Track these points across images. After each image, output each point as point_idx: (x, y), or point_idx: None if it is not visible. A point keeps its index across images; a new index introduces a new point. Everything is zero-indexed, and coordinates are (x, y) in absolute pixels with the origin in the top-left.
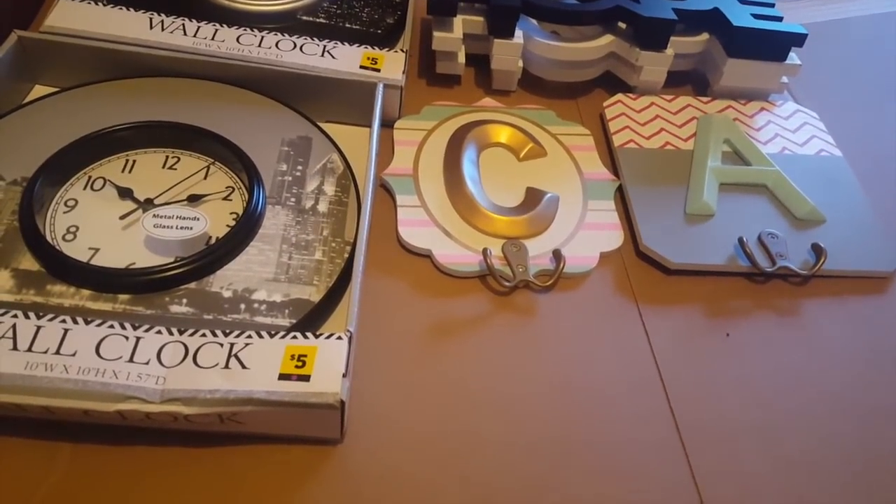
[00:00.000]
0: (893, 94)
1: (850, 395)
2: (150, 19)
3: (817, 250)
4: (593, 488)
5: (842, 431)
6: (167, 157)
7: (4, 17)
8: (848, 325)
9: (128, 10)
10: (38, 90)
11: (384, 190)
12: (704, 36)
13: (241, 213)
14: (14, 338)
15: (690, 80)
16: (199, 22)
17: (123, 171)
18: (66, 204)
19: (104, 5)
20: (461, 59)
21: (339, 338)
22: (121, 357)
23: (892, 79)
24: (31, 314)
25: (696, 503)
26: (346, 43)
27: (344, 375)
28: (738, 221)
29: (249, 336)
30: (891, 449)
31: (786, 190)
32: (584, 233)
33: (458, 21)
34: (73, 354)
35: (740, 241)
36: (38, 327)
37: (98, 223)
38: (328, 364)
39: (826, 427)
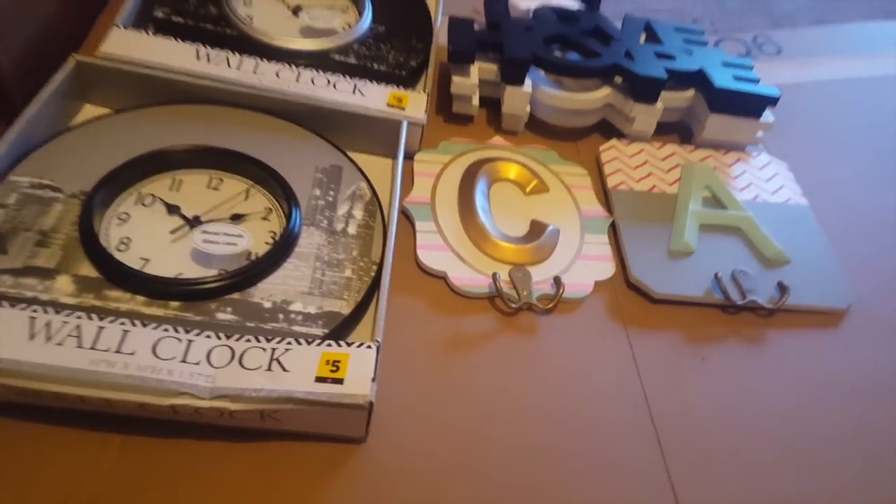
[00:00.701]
0: (855, 151)
1: (806, 415)
2: (197, 51)
3: (782, 288)
4: (582, 491)
5: (799, 445)
6: (211, 178)
7: (59, 39)
8: (806, 352)
9: (175, 40)
10: (88, 109)
11: (404, 216)
12: (691, 92)
13: (278, 232)
14: (79, 336)
15: (677, 131)
16: (241, 56)
17: (171, 189)
18: (119, 217)
19: (153, 35)
20: (475, 101)
21: (369, 347)
22: (174, 357)
23: (855, 137)
24: (94, 316)
25: (669, 497)
26: (374, 81)
27: (373, 380)
28: (714, 259)
29: (289, 342)
30: (840, 460)
31: (756, 233)
32: (581, 262)
33: (475, 68)
34: (132, 353)
35: (716, 276)
36: (101, 328)
37: (148, 236)
38: (359, 369)
39: (786, 440)
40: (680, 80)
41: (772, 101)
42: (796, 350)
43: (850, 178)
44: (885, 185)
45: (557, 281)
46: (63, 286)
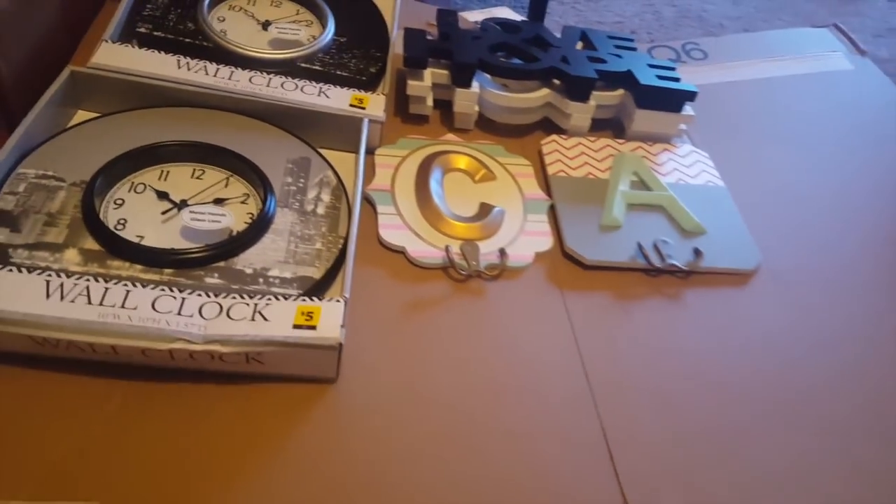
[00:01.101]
0: (766, 140)
1: (718, 357)
2: (178, 61)
3: (697, 252)
4: (522, 417)
5: (711, 383)
6: (194, 169)
7: (50, 54)
8: (719, 308)
9: (159, 52)
10: (81, 114)
11: (367, 202)
12: (620, 91)
13: (256, 213)
14: (88, 296)
15: (610, 127)
16: (217, 65)
17: (160, 179)
18: (115, 202)
19: (139, 48)
20: (429, 102)
21: (338, 301)
22: (171, 311)
23: (767, 129)
24: (100, 279)
25: (597, 427)
26: (337, 86)
27: (342, 326)
28: (639, 232)
29: (269, 299)
30: (744, 393)
31: (677, 209)
32: (524, 237)
33: (428, 73)
34: (135, 308)
35: (639, 245)
36: (106, 289)
37: (142, 217)
38: (330, 318)
39: (699, 381)
40: (610, 80)
41: (690, 96)
42: (710, 305)
43: (761, 163)
44: (790, 168)
45: (502, 252)
46: (71, 257)
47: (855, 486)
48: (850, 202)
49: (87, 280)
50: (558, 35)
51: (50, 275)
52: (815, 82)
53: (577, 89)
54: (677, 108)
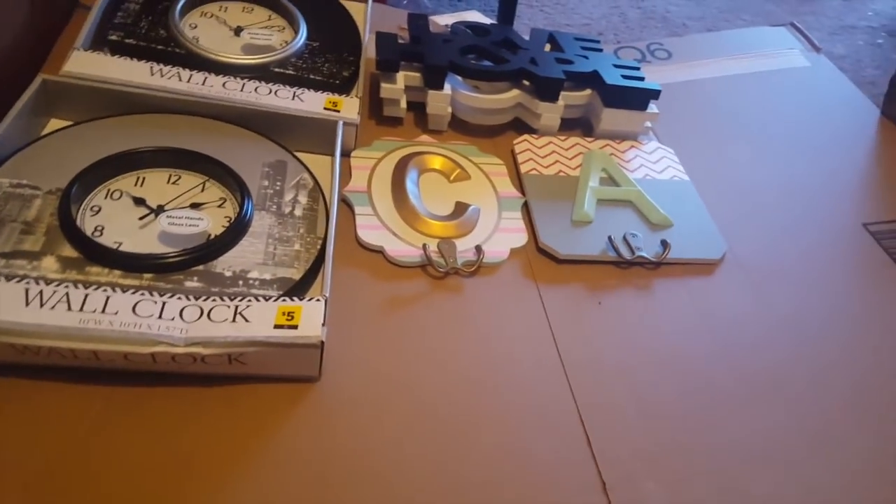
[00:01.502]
0: (728, 135)
1: (682, 343)
2: (151, 67)
3: (664, 244)
4: (501, 408)
5: (681, 369)
6: (170, 175)
7: (17, 65)
8: (686, 296)
9: (131, 59)
10: (54, 123)
11: (344, 203)
12: (587, 91)
13: (233, 217)
14: (68, 302)
15: (579, 126)
16: (191, 71)
17: (136, 185)
18: (91, 209)
19: (110, 56)
20: (403, 105)
21: (318, 300)
22: (152, 315)
23: (730, 124)
24: (80, 285)
25: (574, 414)
26: (311, 90)
27: (323, 325)
28: (609, 226)
29: (250, 300)
30: (712, 376)
31: (645, 204)
32: (499, 234)
33: (401, 76)
34: (116, 313)
35: (609, 238)
36: (86, 294)
37: (119, 223)
38: (311, 317)
39: (670, 365)
40: (578, 80)
41: (655, 95)
42: (679, 293)
43: (724, 157)
44: (751, 162)
45: (478, 249)
46: (49, 265)
47: (825, 460)
48: (808, 192)
49: (67, 287)
50: (527, 37)
51: (29, 282)
52: (773, 79)
53: (546, 90)
54: (643, 107)
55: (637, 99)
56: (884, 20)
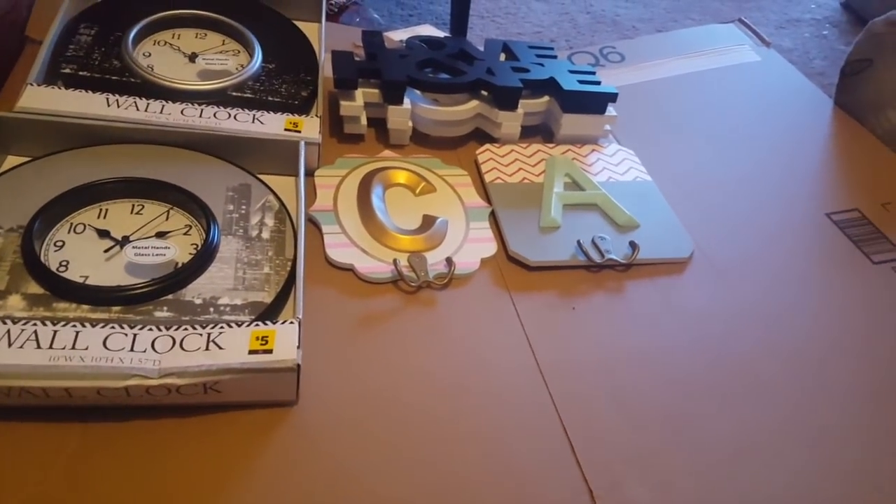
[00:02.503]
0: (685, 133)
1: (658, 342)
2: (107, 99)
3: (633, 246)
4: (481, 419)
5: (659, 368)
6: (133, 205)
7: None
8: (657, 295)
9: (86, 92)
10: (11, 160)
11: (311, 223)
12: (545, 98)
13: (200, 244)
14: (37, 340)
15: (540, 133)
16: (147, 100)
17: (99, 217)
18: (55, 244)
19: (65, 89)
20: (363, 121)
21: (292, 322)
22: (123, 348)
23: (686, 122)
24: (48, 322)
25: (556, 421)
26: (270, 112)
27: (298, 347)
28: (577, 230)
29: (222, 327)
30: (686, 372)
31: (610, 206)
32: (468, 245)
33: (359, 93)
34: (86, 348)
35: (578, 243)
36: (55, 331)
37: (84, 257)
38: (285, 341)
39: (647, 366)
40: (535, 88)
41: (612, 98)
42: (651, 294)
43: (683, 154)
44: (711, 157)
45: (449, 261)
46: (15, 303)
47: (811, 455)
48: (770, 185)
49: (35, 324)
50: (481, 48)
51: None
52: (725, 75)
53: (505, 99)
54: (601, 110)
55: (595, 103)
56: (826, 12)
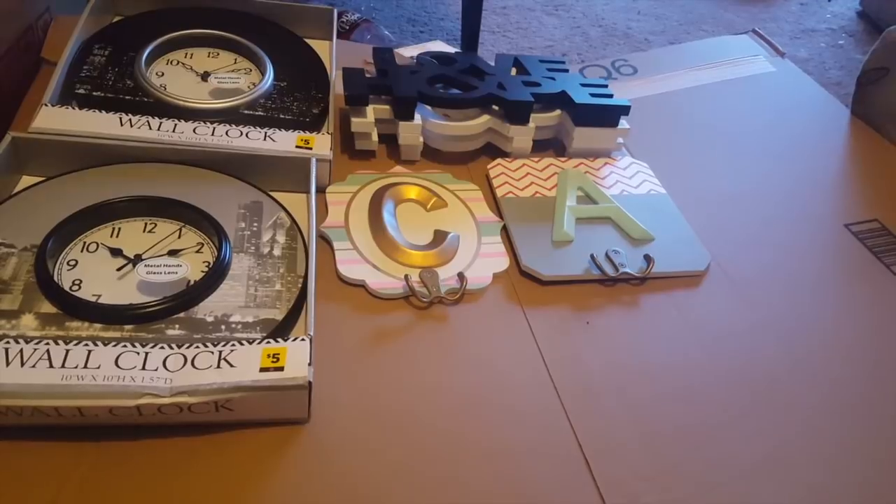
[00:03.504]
0: (700, 145)
1: (675, 357)
2: (120, 118)
3: (648, 259)
4: (496, 435)
5: (675, 383)
6: (146, 224)
7: None
8: (673, 309)
9: (99, 112)
10: (26, 180)
11: (322, 239)
12: (557, 112)
13: (212, 261)
14: (49, 359)
15: (552, 146)
16: (160, 119)
17: (112, 236)
18: (68, 263)
19: (79, 109)
20: (375, 138)
21: (303, 339)
22: (135, 367)
23: (700, 134)
24: (60, 342)
25: (571, 438)
26: (282, 129)
27: (309, 364)
28: (591, 244)
29: (233, 345)
30: (703, 390)
31: (624, 219)
32: (480, 260)
33: (370, 109)
34: (98, 367)
35: (592, 257)
36: (67, 350)
37: (97, 276)
38: (297, 358)
39: (663, 381)
40: (547, 102)
41: (624, 111)
42: (667, 308)
43: (698, 167)
44: (726, 169)
45: (461, 276)
46: (28, 322)
47: (828, 470)
48: (787, 196)
49: (47, 344)
50: (492, 63)
51: (8, 342)
52: (740, 86)
53: (516, 113)
54: (613, 123)
55: (607, 116)
56: (842, 21)
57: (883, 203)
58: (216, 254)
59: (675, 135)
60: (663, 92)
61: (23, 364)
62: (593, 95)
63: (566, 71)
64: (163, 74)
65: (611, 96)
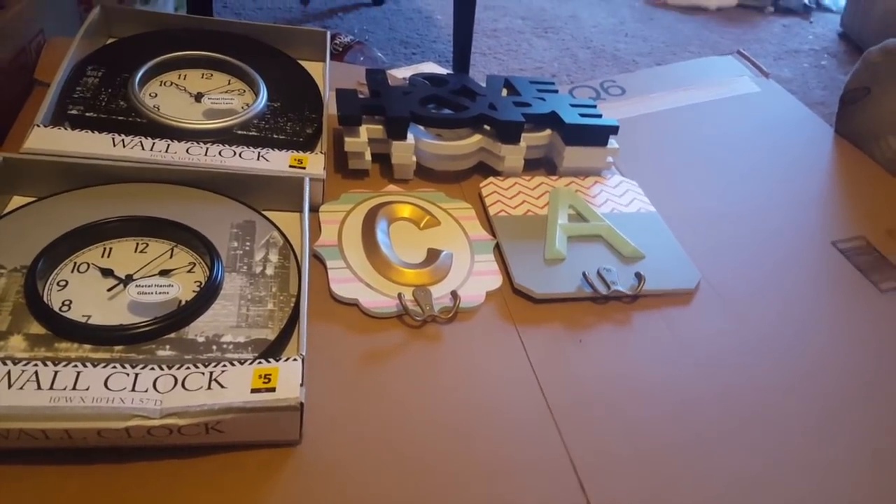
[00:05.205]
0: (688, 164)
1: (667, 374)
2: (113, 139)
3: (639, 277)
4: (489, 454)
5: (663, 398)
6: (137, 243)
7: None
8: (665, 327)
9: (92, 132)
10: (17, 200)
11: (316, 258)
12: (547, 131)
13: (203, 281)
14: (37, 381)
15: (543, 165)
16: (153, 139)
17: (103, 256)
18: (58, 284)
19: (71, 130)
20: (368, 157)
21: (295, 360)
22: (125, 388)
23: (686, 153)
24: (49, 363)
25: (564, 456)
26: (275, 149)
27: (301, 385)
28: (582, 262)
29: (224, 365)
30: (695, 406)
31: (615, 238)
32: (473, 278)
33: (363, 129)
34: (87, 389)
35: (584, 275)
36: (56, 372)
37: (87, 297)
38: (288, 378)
39: (657, 398)
40: (537, 122)
41: (613, 130)
42: (658, 325)
43: (686, 185)
44: (714, 187)
45: (454, 294)
46: (16, 344)
47: (819, 486)
48: (774, 214)
49: (35, 365)
50: (483, 84)
51: None
52: (726, 106)
53: (507, 133)
54: (603, 142)
55: (596, 136)
56: (824, 42)
57: (868, 220)
58: (208, 273)
59: (664, 154)
60: (651, 112)
61: (10, 386)
62: (582, 115)
63: (556, 92)
64: (156, 95)
65: (599, 116)
